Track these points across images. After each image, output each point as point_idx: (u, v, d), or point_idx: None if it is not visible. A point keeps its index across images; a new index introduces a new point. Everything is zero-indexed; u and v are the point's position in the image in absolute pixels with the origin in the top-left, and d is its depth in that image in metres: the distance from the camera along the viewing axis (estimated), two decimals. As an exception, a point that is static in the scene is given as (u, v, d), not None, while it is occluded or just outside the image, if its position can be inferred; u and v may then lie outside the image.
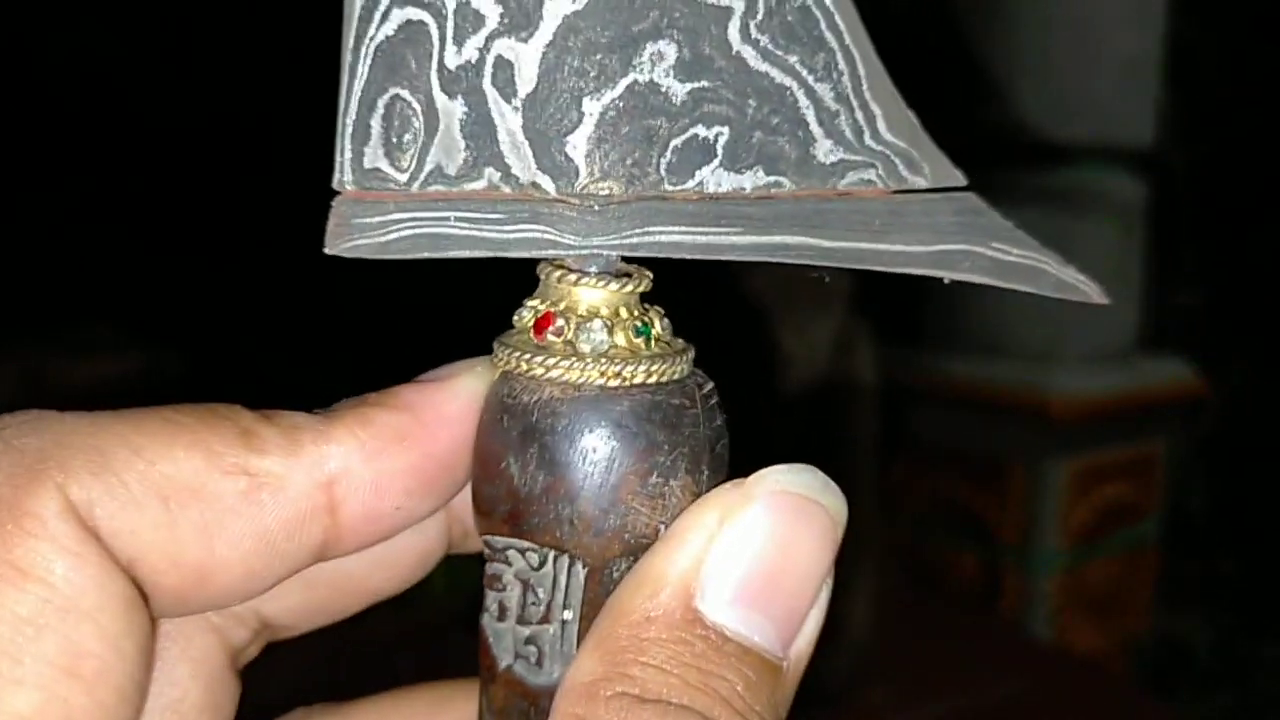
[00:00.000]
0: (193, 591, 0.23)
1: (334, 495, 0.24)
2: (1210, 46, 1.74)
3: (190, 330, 1.65)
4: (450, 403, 0.25)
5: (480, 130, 0.23)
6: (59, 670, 0.21)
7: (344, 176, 0.24)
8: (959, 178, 0.25)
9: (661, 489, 0.24)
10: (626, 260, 0.26)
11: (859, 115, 0.25)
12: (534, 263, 0.25)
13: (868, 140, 0.25)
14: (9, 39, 1.61)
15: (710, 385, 0.25)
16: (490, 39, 0.23)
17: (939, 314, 1.72)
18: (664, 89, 0.24)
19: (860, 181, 0.25)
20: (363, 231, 0.24)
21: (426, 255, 0.24)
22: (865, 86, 0.25)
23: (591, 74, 0.23)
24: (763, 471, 0.24)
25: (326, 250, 0.24)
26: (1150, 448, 1.72)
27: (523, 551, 0.24)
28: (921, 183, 0.25)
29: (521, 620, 0.24)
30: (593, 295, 0.25)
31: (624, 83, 0.23)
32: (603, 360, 0.24)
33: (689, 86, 0.24)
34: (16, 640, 0.20)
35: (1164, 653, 1.74)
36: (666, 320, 0.26)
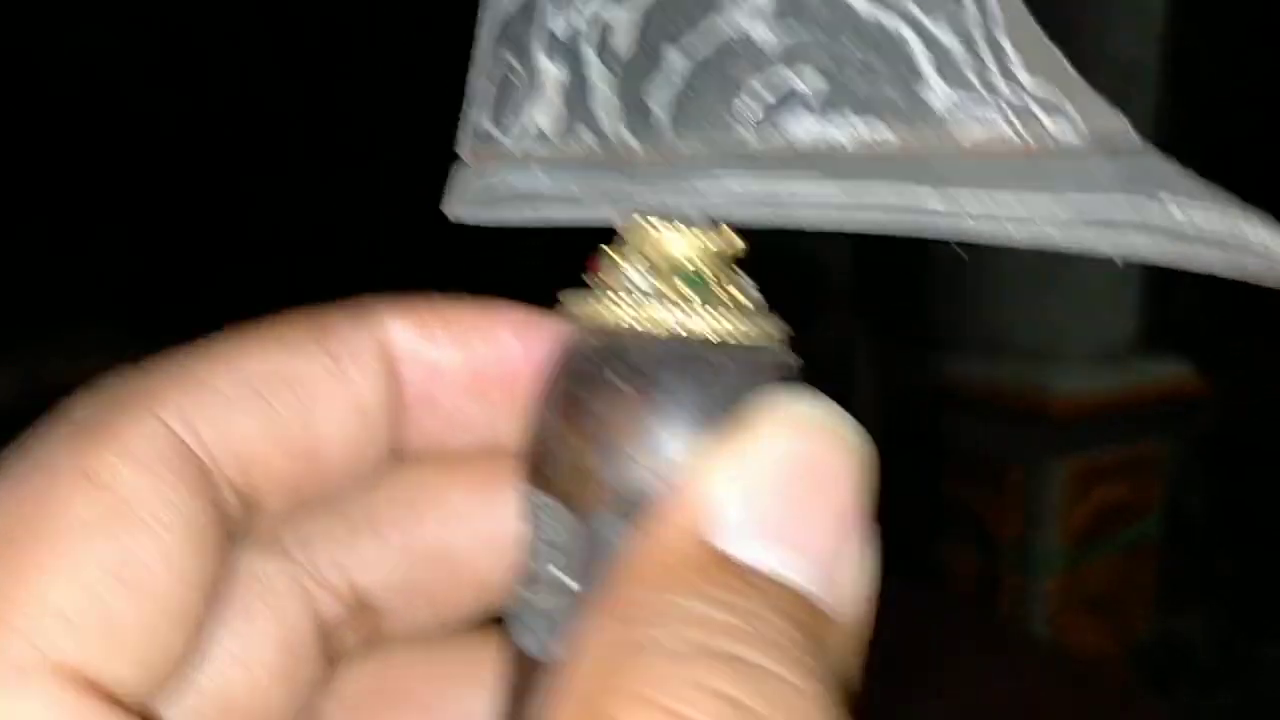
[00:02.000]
0: (305, 476, 0.23)
1: (393, 358, 0.24)
2: (1209, 48, 1.74)
3: (190, 330, 1.65)
4: (501, 326, 0.25)
5: (576, 94, 0.23)
6: (104, 572, 0.20)
7: (463, 142, 0.24)
8: (1121, 123, 0.21)
9: (679, 451, 0.21)
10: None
11: (987, 57, 0.21)
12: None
13: (1000, 85, 0.21)
14: (8, 39, 1.61)
15: (790, 362, 0.23)
16: (589, 3, 0.23)
17: (939, 313, 1.73)
18: (757, 41, 0.21)
19: (988, 133, 0.21)
20: (473, 197, 0.24)
21: (525, 214, 0.24)
22: (1000, 25, 0.21)
23: (683, 33, 0.22)
24: (766, 400, 0.21)
25: (444, 207, 0.25)
26: (1150, 448, 1.72)
27: (543, 505, 0.23)
28: (1069, 133, 0.21)
29: (532, 584, 0.23)
30: (668, 243, 0.23)
31: (716, 38, 0.22)
32: (636, 303, 0.22)
33: (784, 38, 0.21)
34: (70, 539, 0.20)
35: (1164, 653, 1.74)
36: (754, 292, 0.24)
